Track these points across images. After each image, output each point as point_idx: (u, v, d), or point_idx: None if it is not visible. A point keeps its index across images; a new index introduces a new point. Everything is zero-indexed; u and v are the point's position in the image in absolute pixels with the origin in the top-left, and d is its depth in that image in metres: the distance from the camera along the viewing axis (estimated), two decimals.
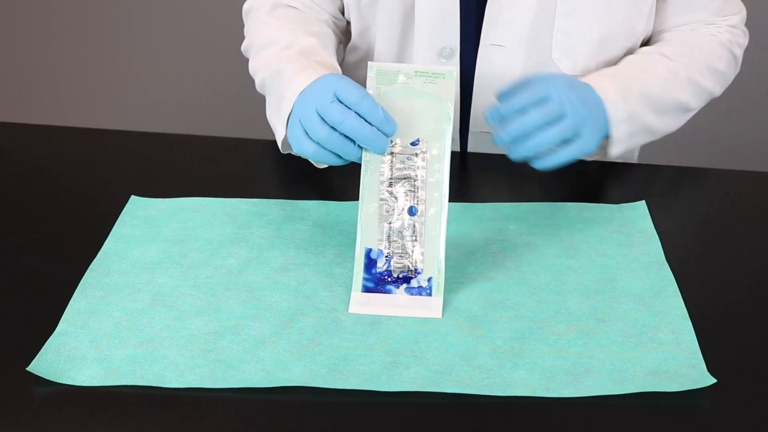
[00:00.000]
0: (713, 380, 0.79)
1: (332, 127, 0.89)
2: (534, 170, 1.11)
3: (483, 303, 0.89)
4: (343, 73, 1.17)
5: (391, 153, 0.90)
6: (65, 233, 0.99)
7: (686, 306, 0.88)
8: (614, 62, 1.16)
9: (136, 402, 0.78)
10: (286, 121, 0.99)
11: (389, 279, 0.89)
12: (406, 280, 0.89)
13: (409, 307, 0.87)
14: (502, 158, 1.17)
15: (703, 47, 1.15)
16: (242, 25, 1.22)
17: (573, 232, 0.99)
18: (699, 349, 0.83)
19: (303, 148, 0.93)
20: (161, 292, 0.90)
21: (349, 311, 0.87)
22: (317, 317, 0.87)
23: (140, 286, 0.90)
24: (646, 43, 1.22)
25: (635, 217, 1.02)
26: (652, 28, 1.17)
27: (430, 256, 0.89)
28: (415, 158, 0.90)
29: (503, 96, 1.00)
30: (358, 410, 0.77)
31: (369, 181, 0.89)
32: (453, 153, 1.16)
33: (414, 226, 0.89)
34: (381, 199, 0.89)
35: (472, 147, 1.20)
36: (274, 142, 1.15)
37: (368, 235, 0.89)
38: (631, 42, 1.16)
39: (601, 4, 1.09)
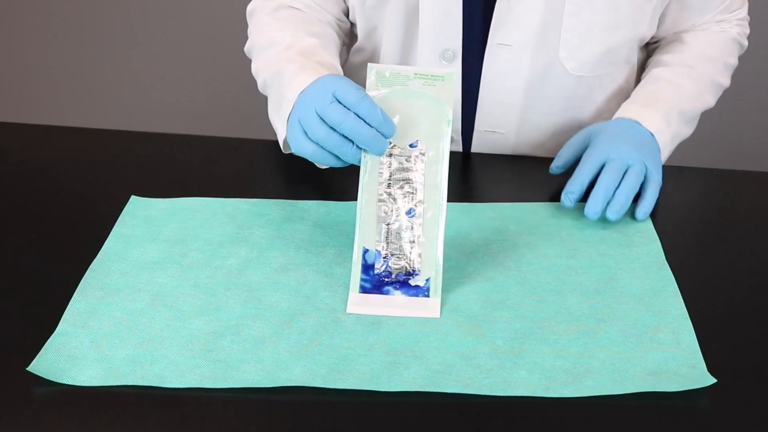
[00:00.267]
0: (713, 380, 0.79)
1: (331, 128, 0.89)
2: (534, 170, 1.11)
3: (483, 303, 0.89)
4: (347, 74, 1.17)
5: (390, 154, 0.90)
6: (65, 233, 0.99)
7: (686, 306, 0.88)
8: (618, 63, 1.17)
9: (136, 402, 0.78)
10: (286, 120, 1.00)
11: (387, 280, 0.89)
12: (404, 281, 0.89)
13: (407, 308, 0.87)
14: (503, 158, 1.18)
15: (718, 46, 1.20)
16: (242, 25, 1.22)
17: (573, 232, 0.99)
18: (699, 349, 0.83)
19: (302, 148, 0.93)
20: (161, 292, 0.90)
21: (347, 311, 0.87)
22: (317, 317, 0.87)
23: (140, 286, 0.90)
24: (652, 42, 1.23)
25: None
26: (656, 27, 1.18)
27: (428, 257, 0.89)
28: (413, 160, 0.90)
29: (556, 167, 1.08)
30: (358, 410, 0.77)
31: (367, 182, 0.89)
32: (455, 153, 1.17)
33: (412, 227, 0.89)
34: (379, 200, 0.89)
35: (476, 147, 1.20)
36: (274, 142, 1.15)
37: (366, 236, 0.89)
38: (634, 43, 1.17)
39: (606, 5, 1.10)
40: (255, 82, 1.15)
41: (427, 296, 0.88)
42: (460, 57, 1.14)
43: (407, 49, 1.16)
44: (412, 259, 0.89)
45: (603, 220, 1.01)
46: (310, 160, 0.94)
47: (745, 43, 1.25)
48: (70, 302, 0.88)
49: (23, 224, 1.01)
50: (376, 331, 0.85)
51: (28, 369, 0.79)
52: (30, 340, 0.83)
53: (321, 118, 0.90)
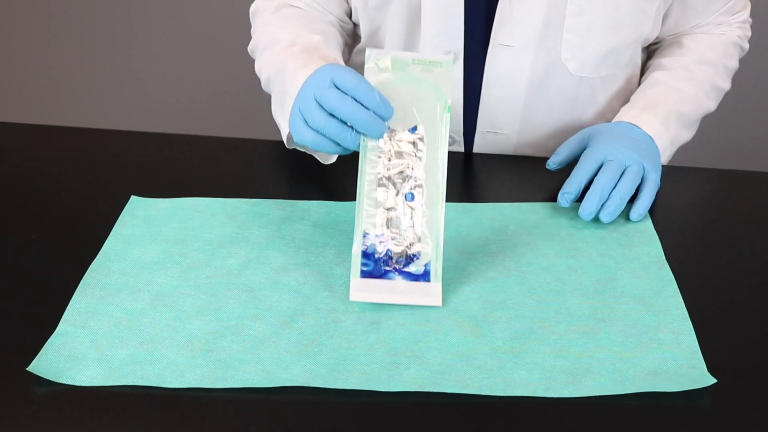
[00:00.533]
0: (713, 380, 0.79)
1: (330, 114, 0.90)
2: (534, 170, 1.11)
3: (483, 303, 0.89)
4: None
5: (389, 140, 0.90)
6: (65, 233, 0.99)
7: (686, 306, 0.88)
8: (620, 65, 1.17)
9: (136, 402, 0.78)
10: (289, 114, 1.00)
11: (388, 265, 0.89)
12: (405, 265, 0.89)
13: (408, 294, 0.87)
14: (503, 158, 1.18)
15: (718, 50, 1.20)
16: (242, 26, 1.22)
17: (573, 232, 0.99)
18: (699, 349, 0.83)
19: (303, 136, 0.93)
20: (161, 292, 0.90)
21: (350, 299, 0.87)
22: (317, 317, 0.87)
23: (140, 286, 0.90)
24: (653, 44, 1.23)
25: None
26: (658, 30, 1.18)
27: (428, 243, 0.89)
28: (413, 145, 0.90)
29: (553, 163, 1.08)
30: (358, 410, 0.77)
31: (367, 168, 0.89)
32: (456, 153, 1.17)
33: (412, 212, 0.89)
34: (379, 185, 0.89)
35: (478, 147, 1.20)
36: (274, 141, 1.15)
37: (366, 222, 0.89)
38: (637, 44, 1.17)
39: (609, 6, 1.10)
40: (255, 81, 1.15)
41: (428, 281, 0.88)
42: (461, 58, 1.14)
43: (409, 49, 1.17)
44: (412, 243, 0.89)
45: None
46: (311, 148, 0.93)
47: (746, 46, 1.25)
48: (70, 302, 0.88)
49: (23, 224, 1.01)
50: (376, 331, 0.85)
51: (28, 369, 0.79)
52: (30, 340, 0.83)
53: (320, 105, 0.90)
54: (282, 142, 1.12)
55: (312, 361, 0.81)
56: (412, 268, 0.89)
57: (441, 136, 0.90)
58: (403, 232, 0.89)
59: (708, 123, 1.33)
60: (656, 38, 1.22)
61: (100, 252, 0.95)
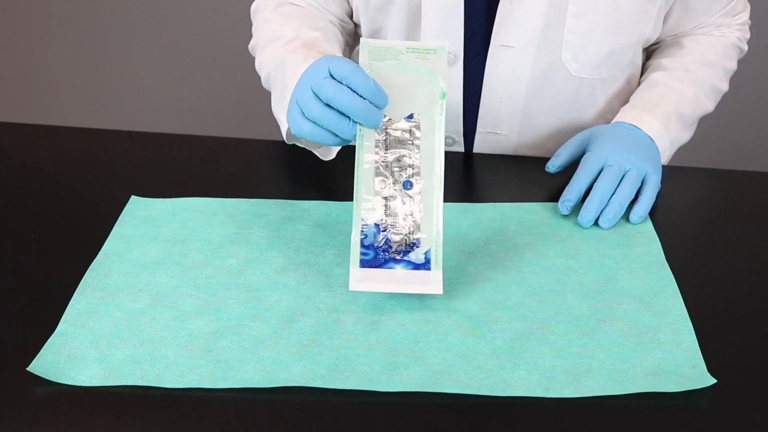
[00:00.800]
0: (713, 380, 0.79)
1: (327, 105, 0.90)
2: (534, 171, 1.11)
3: (483, 303, 0.89)
4: None
5: (385, 128, 0.90)
6: (65, 233, 0.99)
7: (686, 306, 0.88)
8: (621, 65, 1.17)
9: (136, 402, 0.78)
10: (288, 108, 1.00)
11: (387, 254, 0.88)
12: (404, 254, 0.88)
13: (409, 283, 0.87)
14: (503, 158, 1.18)
15: (718, 51, 1.20)
16: (242, 26, 1.23)
17: (573, 232, 0.99)
18: (699, 349, 0.83)
19: (300, 127, 0.93)
20: (161, 292, 0.90)
21: (350, 288, 0.87)
22: (317, 317, 0.87)
23: (140, 286, 0.90)
24: (654, 44, 1.23)
25: None
26: (660, 31, 1.18)
27: (427, 230, 0.89)
28: (409, 133, 0.90)
29: (553, 166, 1.08)
30: (358, 410, 0.77)
31: (364, 157, 0.89)
32: (456, 153, 1.17)
33: (410, 200, 0.89)
34: (376, 174, 0.89)
35: (478, 148, 1.20)
36: (274, 141, 1.15)
37: (365, 211, 0.89)
38: (638, 45, 1.17)
39: (609, 6, 1.10)
40: (255, 82, 1.15)
41: (429, 270, 0.88)
42: (462, 58, 1.14)
43: None
44: (411, 231, 0.89)
45: None
46: (309, 139, 0.93)
47: (745, 47, 1.25)
48: (70, 302, 0.88)
49: (23, 224, 1.01)
50: (376, 331, 0.85)
51: (28, 369, 0.79)
52: (30, 340, 0.83)
53: (316, 96, 0.90)
54: (282, 142, 1.12)
55: (312, 361, 0.81)
56: (412, 256, 0.88)
57: (437, 123, 0.90)
58: (402, 221, 0.89)
59: (707, 123, 1.34)
60: (656, 39, 1.22)
61: (100, 252, 0.95)
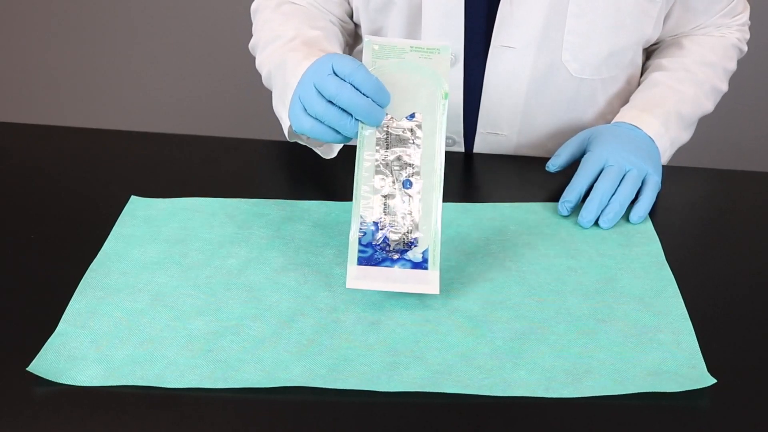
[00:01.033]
0: (713, 380, 0.79)
1: (329, 101, 0.90)
2: (534, 171, 1.11)
3: (483, 303, 0.89)
4: None
5: (387, 126, 0.90)
6: (65, 233, 0.99)
7: (686, 306, 0.88)
8: (621, 66, 1.17)
9: (136, 402, 0.78)
10: (289, 105, 1.00)
11: (385, 252, 0.88)
12: (402, 252, 0.88)
13: (406, 282, 0.87)
14: (503, 158, 1.18)
15: (718, 51, 1.20)
16: (242, 25, 1.23)
17: (573, 232, 0.99)
18: (699, 349, 0.83)
19: (301, 124, 0.93)
20: (161, 292, 0.90)
21: (347, 286, 0.87)
22: (317, 317, 0.87)
23: (140, 286, 0.90)
24: (654, 44, 1.24)
25: None
26: (660, 31, 1.18)
27: (425, 229, 0.89)
28: (410, 132, 0.90)
29: (553, 165, 1.08)
30: (358, 410, 0.77)
31: (364, 155, 0.89)
32: (456, 153, 1.17)
33: (410, 199, 0.89)
34: (376, 173, 0.89)
35: (478, 148, 1.20)
36: (274, 142, 1.15)
37: (364, 209, 0.89)
38: (639, 45, 1.17)
39: (610, 7, 1.10)
40: (255, 81, 1.15)
41: (426, 269, 0.88)
42: (462, 59, 1.14)
43: None
44: (409, 230, 0.89)
45: None
46: (310, 136, 0.93)
47: (745, 48, 1.25)
48: (70, 302, 0.88)
49: (23, 224, 1.01)
50: (376, 331, 0.85)
51: (28, 369, 0.79)
52: (30, 340, 0.83)
53: (319, 92, 0.90)
54: (282, 142, 1.13)
55: (312, 361, 0.81)
56: (410, 255, 0.88)
57: (438, 123, 0.90)
58: (401, 220, 0.89)
59: (707, 123, 1.34)
60: (656, 39, 1.22)
61: (100, 252, 0.95)
